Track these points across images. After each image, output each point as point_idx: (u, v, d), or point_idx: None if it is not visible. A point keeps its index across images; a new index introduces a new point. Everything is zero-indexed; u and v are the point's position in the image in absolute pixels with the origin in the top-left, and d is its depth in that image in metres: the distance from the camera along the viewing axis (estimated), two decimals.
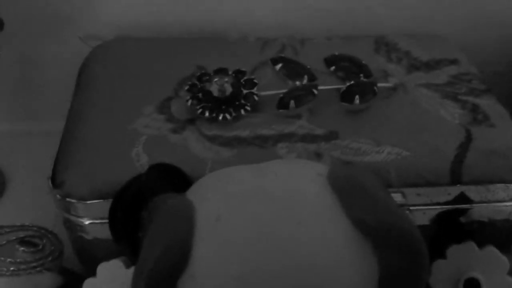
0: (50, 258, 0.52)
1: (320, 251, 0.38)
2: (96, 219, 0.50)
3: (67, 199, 0.50)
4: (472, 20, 0.69)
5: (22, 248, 0.52)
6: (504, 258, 0.50)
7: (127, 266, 0.49)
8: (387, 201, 0.40)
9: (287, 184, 0.40)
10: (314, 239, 0.38)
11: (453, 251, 0.50)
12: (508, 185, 0.50)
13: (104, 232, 0.50)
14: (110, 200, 0.48)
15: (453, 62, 0.60)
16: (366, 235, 0.39)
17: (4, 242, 0.53)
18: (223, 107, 0.53)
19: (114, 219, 0.45)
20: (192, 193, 0.42)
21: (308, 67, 0.56)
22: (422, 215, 0.51)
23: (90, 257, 0.52)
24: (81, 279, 0.51)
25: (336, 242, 0.38)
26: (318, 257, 0.38)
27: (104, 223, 0.49)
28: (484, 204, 0.51)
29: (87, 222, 0.50)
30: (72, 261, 0.54)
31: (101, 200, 0.49)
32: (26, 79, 0.71)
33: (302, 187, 0.40)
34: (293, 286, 0.38)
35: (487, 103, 0.55)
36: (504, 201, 0.51)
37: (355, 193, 0.39)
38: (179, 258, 0.38)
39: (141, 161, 0.50)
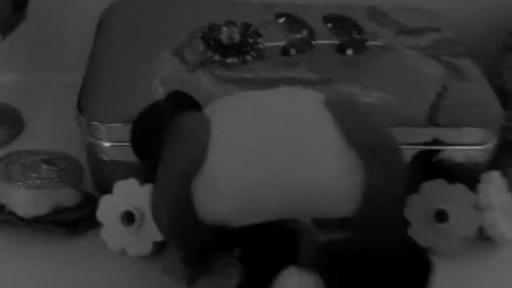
0: (72, 176, 0.58)
1: (319, 160, 0.45)
2: (116, 142, 0.56)
3: (92, 123, 0.56)
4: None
5: (46, 167, 0.58)
6: (470, 194, 0.56)
7: (142, 184, 0.56)
8: (377, 123, 0.46)
9: (291, 103, 0.47)
10: (315, 149, 0.45)
11: (426, 186, 0.57)
12: (478, 129, 0.57)
13: (121, 155, 0.56)
14: (131, 124, 0.54)
15: (437, 30, 0.68)
16: (357, 151, 0.45)
17: (30, 162, 0.59)
18: (232, 52, 0.60)
19: (136, 136, 0.51)
20: (209, 110, 0.48)
21: (309, 23, 0.63)
22: None
23: (105, 179, 0.58)
24: (97, 200, 0.57)
25: (332, 154, 0.45)
26: (319, 166, 0.45)
27: (122, 145, 0.55)
28: (456, 147, 0.58)
29: (107, 144, 0.57)
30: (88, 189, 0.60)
31: (123, 124, 0.55)
32: (46, 32, 0.76)
33: (305, 106, 0.47)
34: (297, 191, 0.45)
35: (464, 63, 0.63)
36: (474, 144, 0.58)
37: (349, 114, 0.46)
38: (196, 160, 0.45)
39: (159, 92, 0.56)
